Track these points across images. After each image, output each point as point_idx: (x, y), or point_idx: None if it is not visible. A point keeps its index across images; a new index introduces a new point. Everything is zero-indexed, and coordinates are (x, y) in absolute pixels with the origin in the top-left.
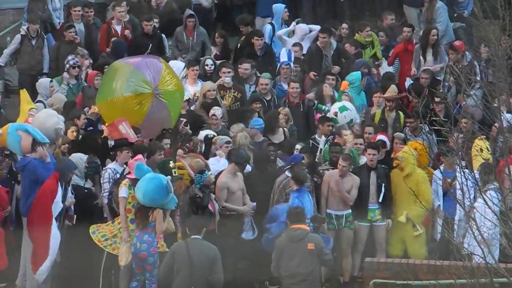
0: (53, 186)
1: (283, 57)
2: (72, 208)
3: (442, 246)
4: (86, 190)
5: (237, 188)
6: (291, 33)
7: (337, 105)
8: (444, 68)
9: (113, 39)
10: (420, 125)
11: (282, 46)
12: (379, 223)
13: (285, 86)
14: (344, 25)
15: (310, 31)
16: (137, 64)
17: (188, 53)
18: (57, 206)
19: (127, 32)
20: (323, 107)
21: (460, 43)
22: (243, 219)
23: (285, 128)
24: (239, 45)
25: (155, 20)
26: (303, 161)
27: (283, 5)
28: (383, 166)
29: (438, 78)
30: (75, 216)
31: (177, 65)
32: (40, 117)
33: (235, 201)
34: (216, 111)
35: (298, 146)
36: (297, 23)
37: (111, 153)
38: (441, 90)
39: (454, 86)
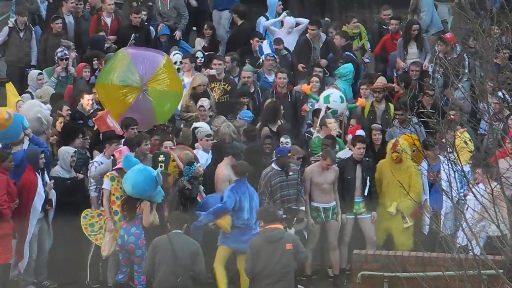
0: (32, 180)
1: (266, 49)
2: (54, 199)
3: (430, 238)
4: (69, 181)
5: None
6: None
7: (323, 94)
8: (433, 59)
9: (92, 36)
10: (409, 117)
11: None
12: (364, 216)
13: (270, 78)
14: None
15: (298, 24)
16: (135, 57)
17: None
18: (40, 197)
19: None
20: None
21: (451, 35)
22: None
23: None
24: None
25: (143, 12)
26: (289, 154)
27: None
28: (367, 159)
29: (427, 70)
30: (53, 200)
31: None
32: (23, 108)
33: None
34: (204, 102)
35: (282, 139)
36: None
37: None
38: (430, 82)
39: (441, 78)
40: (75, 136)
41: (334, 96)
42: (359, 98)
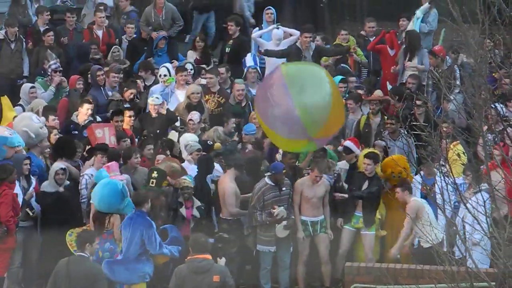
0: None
1: (249, 62)
2: (38, 209)
3: (420, 251)
4: (51, 196)
5: (239, 193)
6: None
7: None
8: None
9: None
10: (400, 128)
11: None
12: (365, 232)
13: (253, 91)
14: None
15: (290, 35)
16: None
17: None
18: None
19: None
20: None
21: (439, 47)
22: (243, 224)
23: None
24: (228, 49)
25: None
26: (284, 171)
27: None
28: (377, 176)
29: (423, 83)
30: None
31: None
32: (15, 121)
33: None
34: (194, 115)
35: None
36: (277, 28)
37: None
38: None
39: (434, 91)
40: (67, 151)
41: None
42: (353, 139)
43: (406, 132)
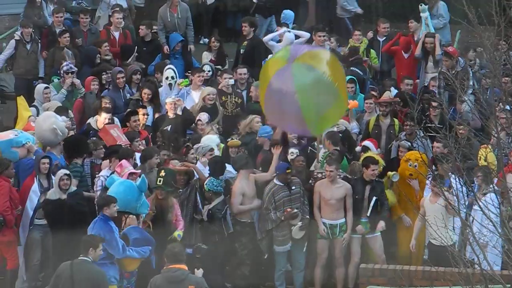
0: (27, 185)
1: None
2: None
3: (435, 252)
4: (51, 203)
5: (252, 194)
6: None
7: None
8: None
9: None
10: (417, 130)
11: None
12: (371, 235)
13: None
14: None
15: (297, 37)
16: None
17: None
18: (31, 201)
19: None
20: None
21: (453, 49)
22: (254, 225)
23: None
24: (242, 50)
25: (155, 26)
26: (287, 171)
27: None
28: (376, 179)
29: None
30: None
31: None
32: (39, 120)
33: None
34: (202, 116)
35: (293, 150)
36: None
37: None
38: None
39: (446, 92)
40: (79, 149)
41: None
42: (350, 101)
43: (422, 134)
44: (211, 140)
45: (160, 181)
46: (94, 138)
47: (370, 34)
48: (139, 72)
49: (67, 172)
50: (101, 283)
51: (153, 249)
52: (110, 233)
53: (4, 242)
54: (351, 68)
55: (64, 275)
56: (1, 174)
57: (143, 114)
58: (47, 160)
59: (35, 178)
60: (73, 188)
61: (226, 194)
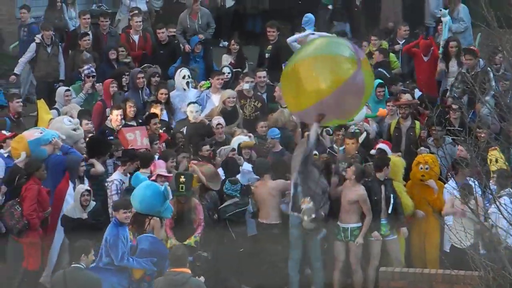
0: (63, 188)
1: None
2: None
3: (452, 256)
4: (73, 222)
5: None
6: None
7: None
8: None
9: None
10: (444, 136)
11: None
12: (390, 238)
13: None
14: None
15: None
16: None
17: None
18: (67, 205)
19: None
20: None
21: (476, 49)
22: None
23: None
24: (267, 54)
25: (172, 29)
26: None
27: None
28: (390, 178)
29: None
30: None
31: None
32: (50, 126)
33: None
34: (220, 119)
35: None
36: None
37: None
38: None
39: (466, 95)
40: (101, 149)
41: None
42: (380, 109)
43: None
44: (241, 140)
45: (182, 187)
46: (111, 138)
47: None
48: (157, 75)
49: (88, 188)
50: None
51: (164, 263)
52: (114, 238)
53: (26, 243)
54: (379, 69)
55: (59, 285)
56: (32, 175)
57: (161, 94)
58: (84, 163)
59: (70, 182)
60: (92, 203)
61: (245, 197)
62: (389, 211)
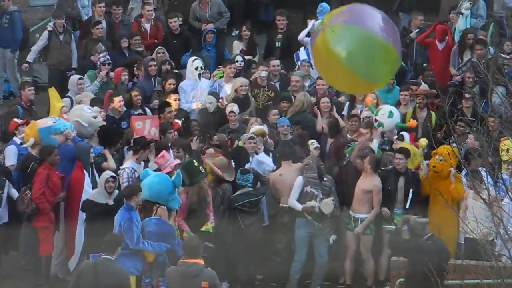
0: (80, 178)
1: (303, 55)
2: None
3: (467, 246)
4: (98, 207)
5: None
6: None
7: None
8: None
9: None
10: (467, 132)
11: None
12: (406, 228)
13: (306, 83)
14: None
15: None
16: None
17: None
18: (87, 194)
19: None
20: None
21: (485, 38)
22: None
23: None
24: (278, 43)
25: (180, 18)
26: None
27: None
28: (413, 171)
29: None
30: None
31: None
32: (69, 114)
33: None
34: (233, 107)
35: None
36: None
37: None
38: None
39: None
40: (113, 139)
41: (383, 110)
42: (411, 119)
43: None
44: (258, 129)
45: (203, 169)
46: (114, 125)
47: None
48: (167, 62)
49: (113, 174)
50: (124, 281)
51: (173, 241)
52: (128, 222)
53: (38, 227)
54: None
55: (88, 274)
56: (44, 161)
57: (175, 100)
58: (92, 150)
59: (85, 172)
60: (116, 191)
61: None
62: (407, 206)
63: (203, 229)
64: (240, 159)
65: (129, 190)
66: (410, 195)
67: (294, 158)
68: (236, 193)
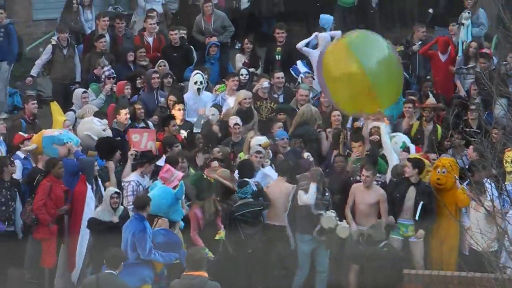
0: (82, 191)
1: (302, 68)
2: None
3: (471, 258)
4: (103, 225)
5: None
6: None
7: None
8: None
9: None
10: (462, 145)
11: None
12: (414, 239)
13: (311, 95)
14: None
15: (332, 37)
16: None
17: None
18: (89, 207)
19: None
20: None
21: (489, 51)
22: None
23: None
24: (278, 56)
25: (182, 31)
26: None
27: (331, 17)
28: (426, 183)
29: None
30: None
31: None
32: (78, 127)
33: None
34: (236, 119)
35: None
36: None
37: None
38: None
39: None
40: (110, 152)
41: (397, 139)
42: (416, 147)
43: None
44: (260, 141)
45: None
46: (118, 139)
47: None
48: (169, 75)
49: (117, 190)
50: None
51: (180, 251)
52: (142, 233)
53: (38, 239)
54: None
55: None
56: (49, 173)
57: (179, 109)
58: (97, 163)
59: (88, 184)
60: (121, 207)
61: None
62: (416, 217)
63: (217, 237)
64: (244, 172)
65: (141, 201)
66: (419, 207)
67: (291, 175)
68: (236, 204)
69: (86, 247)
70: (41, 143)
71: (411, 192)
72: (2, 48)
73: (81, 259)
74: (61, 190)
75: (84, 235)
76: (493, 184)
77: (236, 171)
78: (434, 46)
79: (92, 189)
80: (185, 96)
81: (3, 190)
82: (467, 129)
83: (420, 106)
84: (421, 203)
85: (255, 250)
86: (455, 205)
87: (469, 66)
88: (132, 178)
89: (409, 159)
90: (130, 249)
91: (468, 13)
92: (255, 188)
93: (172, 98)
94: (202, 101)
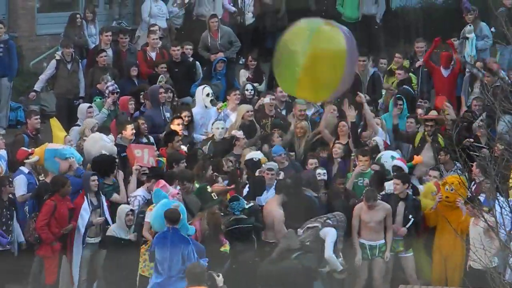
0: (78, 204)
1: None
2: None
3: (474, 275)
4: (122, 242)
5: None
6: None
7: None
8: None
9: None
10: (453, 161)
11: None
12: (405, 254)
13: (309, 112)
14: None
15: None
16: None
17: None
18: (82, 219)
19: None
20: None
21: (497, 65)
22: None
23: None
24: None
25: (188, 46)
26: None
27: None
28: (414, 197)
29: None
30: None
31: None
32: (87, 144)
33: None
34: (237, 133)
35: (320, 171)
36: None
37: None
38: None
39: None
40: (108, 169)
41: (384, 157)
42: (415, 156)
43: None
44: (257, 155)
45: (214, 196)
46: (124, 154)
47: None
48: (170, 90)
49: (132, 207)
50: None
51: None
52: (188, 245)
53: (40, 256)
54: (404, 86)
55: None
56: (55, 192)
57: (178, 124)
58: (96, 178)
59: (85, 197)
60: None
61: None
62: (404, 233)
63: (222, 249)
64: (255, 188)
65: (175, 215)
66: (409, 224)
67: (287, 194)
68: (230, 218)
69: (79, 262)
70: (43, 155)
71: (401, 207)
72: (3, 64)
73: (76, 274)
74: (65, 208)
75: (78, 249)
76: (497, 200)
77: (247, 187)
78: (437, 59)
79: (89, 204)
80: (193, 111)
81: (3, 210)
82: (470, 142)
83: (421, 117)
84: (412, 220)
85: (242, 265)
86: (461, 223)
87: (478, 81)
88: (138, 193)
89: (396, 176)
90: (175, 263)
91: (470, 26)
92: (245, 206)
93: (179, 121)
94: (210, 116)
